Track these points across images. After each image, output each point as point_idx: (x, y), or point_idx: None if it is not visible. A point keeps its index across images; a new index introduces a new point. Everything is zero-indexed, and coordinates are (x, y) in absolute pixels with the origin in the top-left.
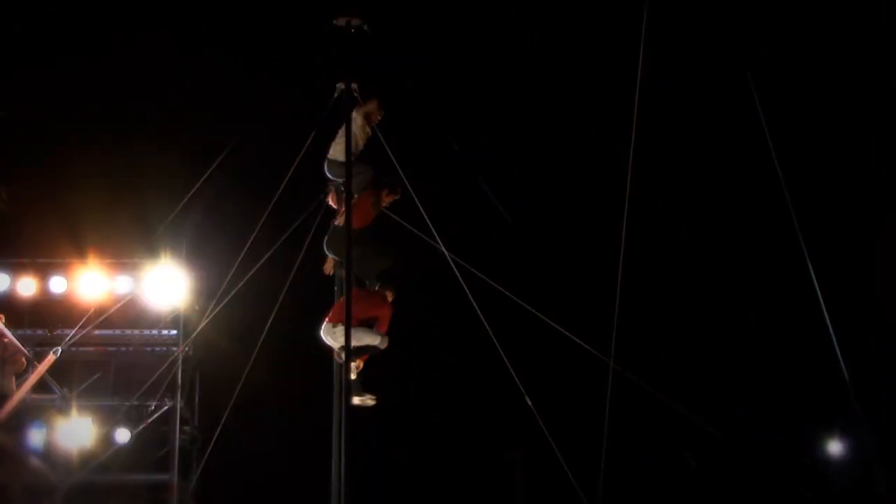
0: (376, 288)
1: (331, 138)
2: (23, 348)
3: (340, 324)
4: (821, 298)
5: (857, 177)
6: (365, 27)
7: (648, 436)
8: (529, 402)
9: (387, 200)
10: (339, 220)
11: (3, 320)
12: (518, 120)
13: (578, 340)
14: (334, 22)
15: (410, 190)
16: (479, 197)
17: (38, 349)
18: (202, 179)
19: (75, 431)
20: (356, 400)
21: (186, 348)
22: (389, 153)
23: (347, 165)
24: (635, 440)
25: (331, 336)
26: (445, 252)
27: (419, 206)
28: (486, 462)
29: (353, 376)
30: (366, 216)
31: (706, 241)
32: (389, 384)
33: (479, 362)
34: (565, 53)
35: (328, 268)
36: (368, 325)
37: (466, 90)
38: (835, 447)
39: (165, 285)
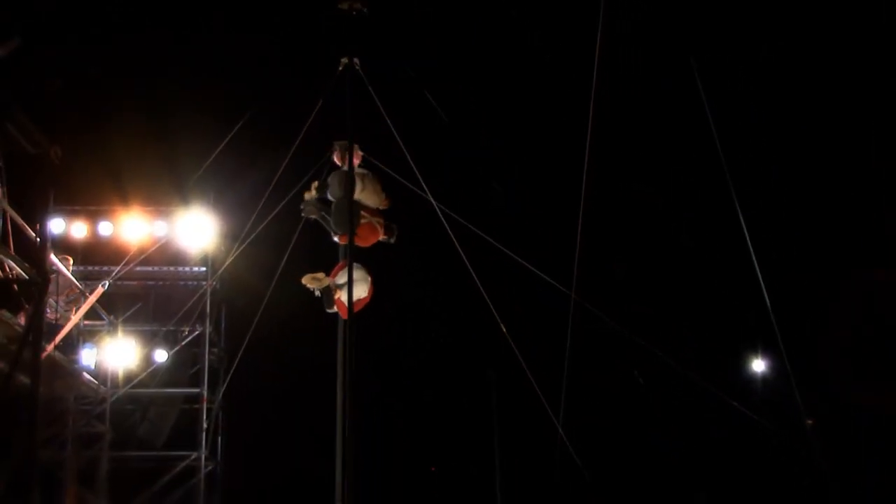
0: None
1: (338, 106)
2: (76, 282)
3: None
4: (746, 233)
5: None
6: (365, 10)
7: (605, 358)
8: (504, 330)
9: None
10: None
11: (71, 262)
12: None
13: (546, 277)
14: (339, 6)
15: (402, 145)
16: (464, 156)
17: (89, 283)
18: (228, 137)
19: (121, 352)
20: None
21: (214, 282)
22: (389, 123)
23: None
24: (594, 362)
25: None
26: (432, 200)
27: (407, 156)
28: (467, 381)
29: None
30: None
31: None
32: (383, 319)
33: (462, 297)
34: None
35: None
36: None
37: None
38: (758, 365)
39: (196, 229)
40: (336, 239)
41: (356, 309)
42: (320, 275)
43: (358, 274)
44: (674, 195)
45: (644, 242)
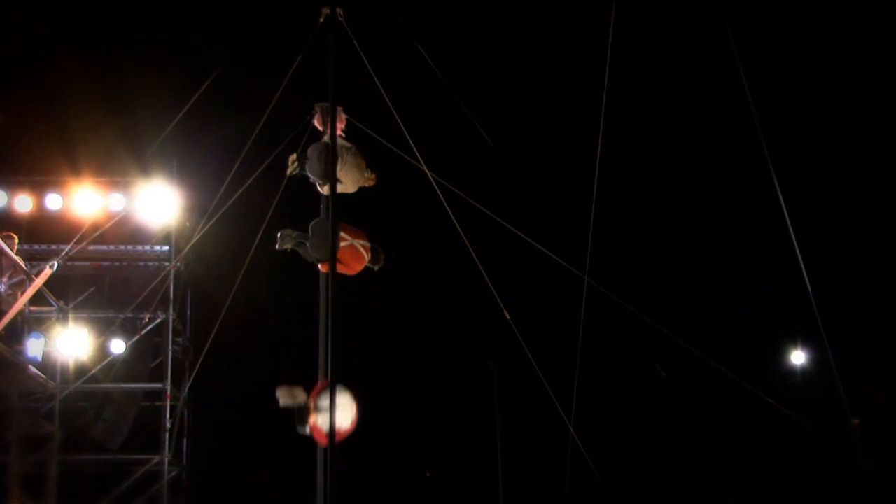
0: None
1: (319, 63)
2: (20, 262)
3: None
4: (785, 212)
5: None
6: None
7: (621, 347)
8: (508, 317)
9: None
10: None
11: (16, 241)
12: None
13: (555, 257)
14: None
15: (393, 110)
16: (461, 120)
17: (36, 263)
18: (192, 100)
19: (72, 342)
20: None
21: (178, 263)
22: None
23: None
24: (609, 353)
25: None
26: (427, 172)
27: (401, 126)
28: (466, 375)
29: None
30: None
31: (680, 163)
32: (377, 302)
33: (459, 279)
34: None
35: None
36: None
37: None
38: (797, 357)
39: (157, 203)
40: (319, 268)
41: (337, 440)
42: (298, 390)
43: (342, 399)
44: (698, 164)
45: (667, 219)
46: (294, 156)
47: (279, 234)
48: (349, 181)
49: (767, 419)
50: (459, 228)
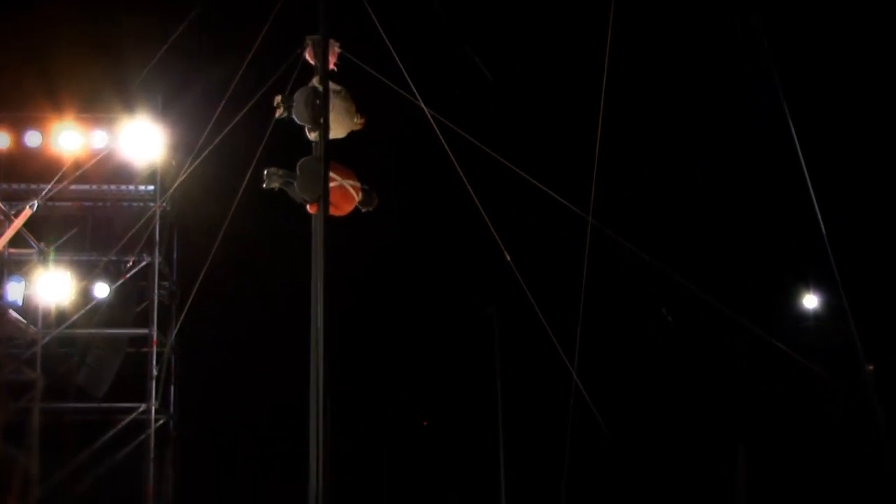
0: None
1: None
2: None
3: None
4: (799, 150)
5: None
6: None
7: (626, 291)
8: (509, 259)
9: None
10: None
11: None
12: None
13: (557, 197)
14: None
15: (388, 43)
16: (460, 56)
17: (15, 203)
18: (177, 32)
19: (53, 286)
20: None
21: (164, 203)
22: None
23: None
24: (612, 296)
25: None
26: (424, 108)
27: (397, 60)
28: (465, 319)
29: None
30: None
31: (686, 102)
32: (374, 243)
33: (458, 221)
34: None
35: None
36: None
37: None
38: (809, 301)
39: (142, 140)
40: (308, 209)
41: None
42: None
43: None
44: (711, 100)
45: (675, 158)
46: (279, 98)
47: (265, 173)
48: (338, 126)
49: (779, 365)
50: (458, 167)
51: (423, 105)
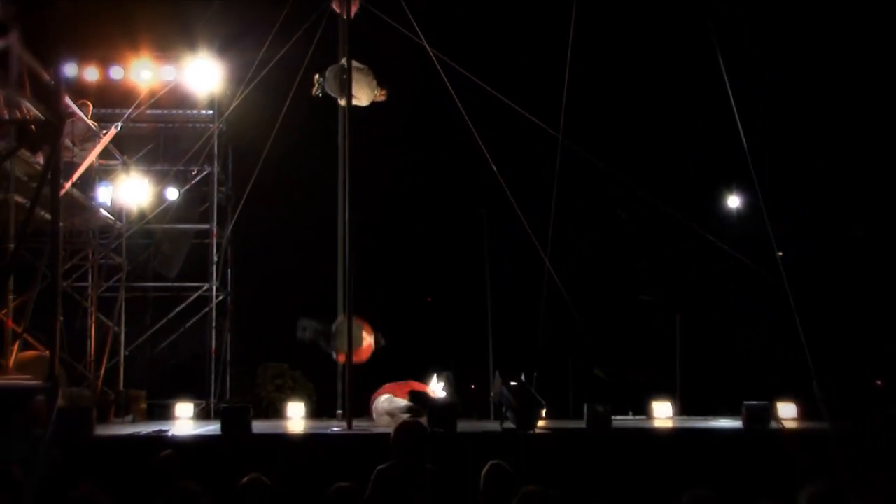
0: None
1: None
2: (91, 123)
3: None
4: (730, 92)
5: None
6: None
7: (589, 195)
8: (495, 169)
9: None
10: None
11: (91, 108)
12: None
13: (536, 120)
14: None
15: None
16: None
17: (103, 124)
18: None
19: (134, 190)
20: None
21: (220, 125)
22: None
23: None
24: (578, 198)
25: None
26: (427, 47)
27: (405, 7)
28: (461, 218)
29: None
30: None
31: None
32: (389, 164)
33: (455, 139)
34: None
35: None
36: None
37: None
38: (733, 201)
39: (202, 74)
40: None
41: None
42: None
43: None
44: (658, 42)
45: (630, 88)
46: (318, 76)
47: (300, 324)
48: (363, 96)
49: (710, 253)
50: (456, 98)
51: (426, 44)
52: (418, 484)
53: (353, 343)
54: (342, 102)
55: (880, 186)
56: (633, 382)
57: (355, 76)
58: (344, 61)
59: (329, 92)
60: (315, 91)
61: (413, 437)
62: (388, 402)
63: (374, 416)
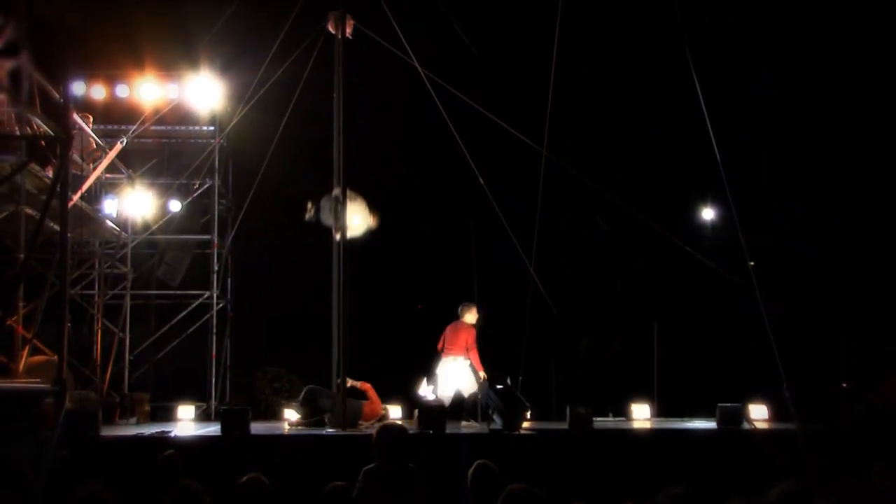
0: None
1: None
2: (96, 138)
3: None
4: (703, 103)
5: None
6: None
7: (571, 206)
8: (482, 182)
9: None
10: None
11: (91, 119)
12: None
13: (521, 136)
14: None
15: (388, 12)
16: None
17: (109, 140)
18: (233, 6)
19: (139, 202)
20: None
21: (221, 140)
22: None
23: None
24: (561, 210)
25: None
26: (419, 67)
27: (398, 30)
28: (449, 229)
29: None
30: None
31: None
32: (383, 182)
33: (445, 152)
34: None
35: None
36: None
37: None
38: (707, 213)
39: (205, 91)
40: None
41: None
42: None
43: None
44: (636, 60)
45: (609, 106)
46: (311, 203)
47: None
48: (356, 227)
49: (685, 262)
50: (443, 111)
51: (417, 65)
52: (402, 483)
53: (356, 218)
54: (337, 237)
55: (868, 188)
56: (610, 359)
57: (348, 206)
58: (337, 191)
59: (323, 221)
60: (308, 217)
61: (393, 438)
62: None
63: None
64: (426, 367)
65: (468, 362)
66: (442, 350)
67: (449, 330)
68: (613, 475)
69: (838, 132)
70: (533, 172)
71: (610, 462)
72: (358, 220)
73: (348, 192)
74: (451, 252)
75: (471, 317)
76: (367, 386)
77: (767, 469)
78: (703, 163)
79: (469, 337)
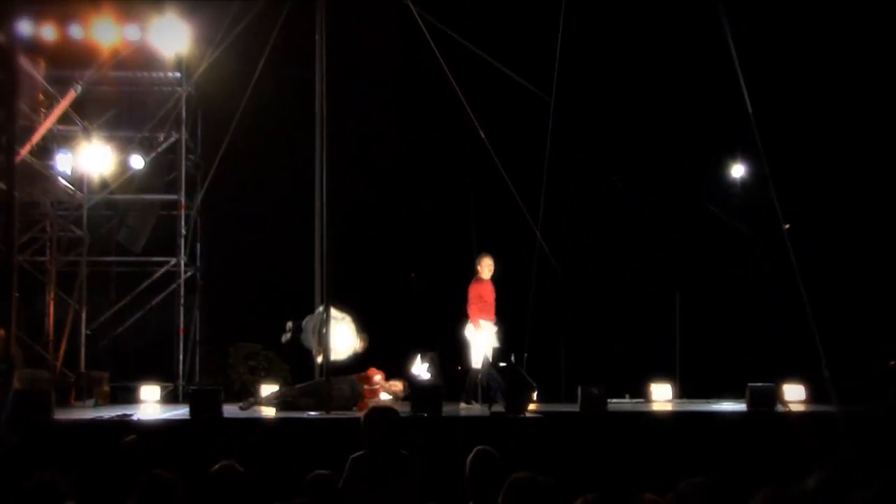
0: None
1: None
2: (47, 85)
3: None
4: (733, 50)
5: None
6: None
7: (583, 163)
8: (483, 135)
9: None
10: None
11: (43, 65)
12: None
13: (526, 83)
14: None
15: None
16: None
17: (61, 87)
18: None
19: (96, 158)
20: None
21: (189, 88)
22: None
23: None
24: (572, 166)
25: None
26: (411, 6)
27: None
28: (445, 187)
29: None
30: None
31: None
32: (374, 129)
33: (440, 104)
34: None
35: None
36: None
37: None
38: (737, 170)
39: (170, 34)
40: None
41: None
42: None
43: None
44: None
45: (624, 46)
46: (290, 324)
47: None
48: (342, 348)
49: (712, 225)
50: (440, 57)
51: (410, 4)
52: (394, 472)
53: (342, 341)
54: (318, 359)
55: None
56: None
57: (333, 326)
58: (321, 308)
59: (304, 343)
60: (285, 339)
61: (383, 422)
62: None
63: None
64: (420, 343)
65: (477, 329)
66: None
67: None
68: (630, 463)
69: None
70: (540, 125)
71: (626, 449)
72: (344, 344)
73: (334, 312)
74: (447, 215)
75: (480, 269)
76: (373, 373)
77: (803, 457)
78: (733, 112)
79: (471, 292)
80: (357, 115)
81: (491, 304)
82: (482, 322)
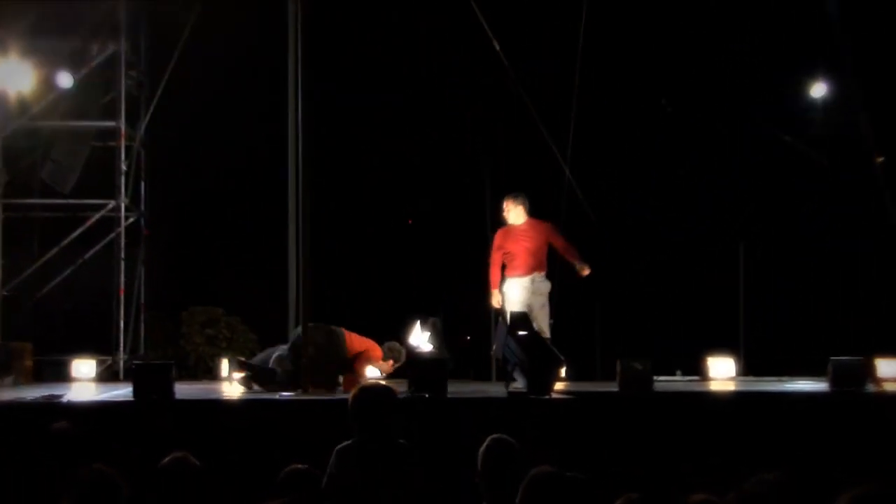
0: None
1: None
2: None
3: None
4: None
5: None
6: None
7: (622, 83)
8: (497, 47)
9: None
10: None
11: None
12: None
13: None
14: None
15: None
16: None
17: None
18: None
19: (13, 74)
20: None
21: None
22: None
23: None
24: (611, 85)
25: None
26: None
27: None
28: (446, 111)
29: None
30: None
31: None
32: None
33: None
34: None
35: None
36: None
37: None
38: (818, 90)
39: None
40: None
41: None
42: None
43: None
44: None
45: None
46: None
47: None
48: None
49: (784, 158)
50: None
51: None
52: (389, 465)
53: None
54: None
55: None
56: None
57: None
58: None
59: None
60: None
61: (377, 405)
62: None
63: None
64: (420, 305)
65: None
66: None
67: None
68: (681, 456)
69: None
70: (570, 36)
71: (676, 438)
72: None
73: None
74: (450, 146)
75: (506, 214)
76: (368, 345)
77: None
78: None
79: (493, 242)
80: (340, 23)
81: (519, 254)
82: (509, 280)
